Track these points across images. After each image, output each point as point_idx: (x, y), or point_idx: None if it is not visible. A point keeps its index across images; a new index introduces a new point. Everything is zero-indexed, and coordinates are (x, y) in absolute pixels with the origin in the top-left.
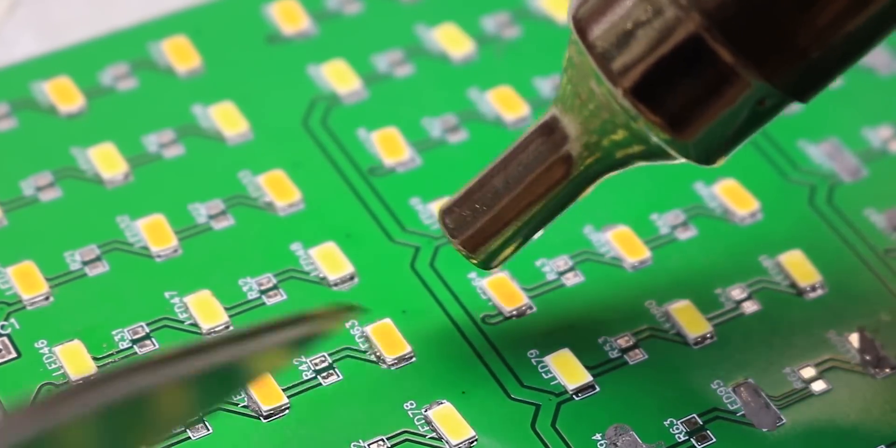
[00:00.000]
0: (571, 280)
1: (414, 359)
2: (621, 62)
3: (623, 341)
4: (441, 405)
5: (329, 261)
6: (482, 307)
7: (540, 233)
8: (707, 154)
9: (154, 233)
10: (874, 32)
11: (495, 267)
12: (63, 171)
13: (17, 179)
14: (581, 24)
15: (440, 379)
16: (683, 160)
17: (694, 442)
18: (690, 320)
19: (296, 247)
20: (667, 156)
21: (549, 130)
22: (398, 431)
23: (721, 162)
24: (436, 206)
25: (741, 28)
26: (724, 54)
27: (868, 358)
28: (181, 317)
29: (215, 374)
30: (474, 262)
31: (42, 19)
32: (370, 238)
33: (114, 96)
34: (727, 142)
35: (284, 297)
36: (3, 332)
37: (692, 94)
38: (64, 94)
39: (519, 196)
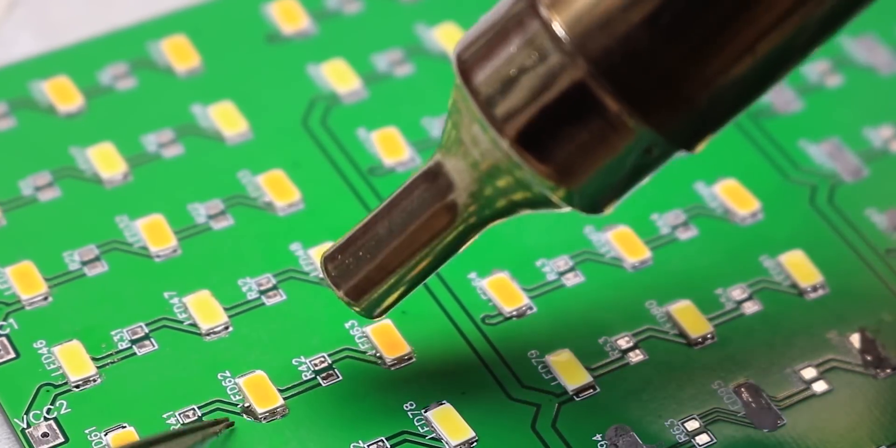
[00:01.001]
0: (572, 280)
1: (414, 359)
2: (505, 109)
3: (623, 342)
4: (441, 406)
5: None
6: (482, 307)
7: (425, 280)
8: (593, 203)
9: (153, 233)
10: (763, 82)
11: (378, 317)
12: (62, 170)
13: (15, 179)
14: (465, 69)
15: (440, 379)
16: (569, 209)
17: (694, 442)
18: (691, 321)
19: (295, 247)
20: (553, 204)
21: (434, 177)
22: (398, 432)
23: (609, 210)
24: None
25: (627, 76)
26: (609, 102)
27: (869, 358)
28: (180, 317)
29: None
30: (356, 310)
31: (41, 19)
32: None
33: (113, 96)
34: (614, 191)
35: (284, 297)
36: (1, 332)
37: (578, 143)
38: (63, 94)
39: (402, 244)
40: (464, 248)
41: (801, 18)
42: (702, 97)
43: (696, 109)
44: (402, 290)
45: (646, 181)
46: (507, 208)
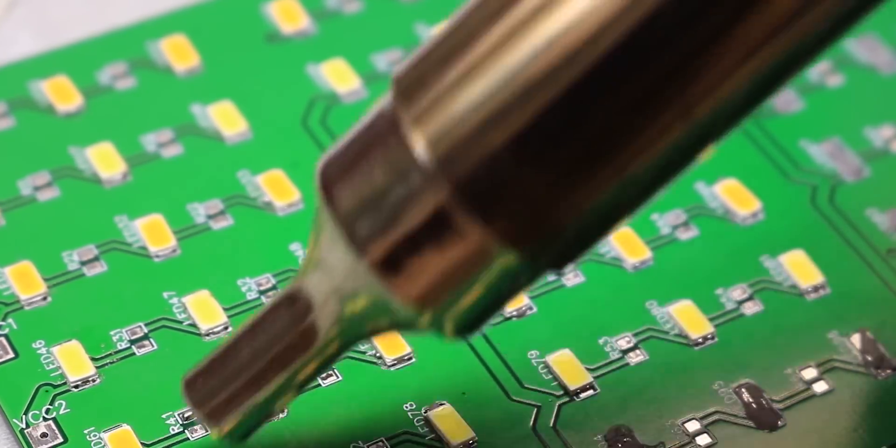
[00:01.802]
0: (571, 280)
1: (414, 359)
2: (366, 230)
3: (624, 342)
4: (441, 406)
5: None
6: None
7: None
8: (461, 329)
9: (152, 233)
10: (633, 205)
11: (241, 442)
12: (61, 170)
13: (14, 179)
14: (327, 185)
15: (440, 380)
16: (434, 334)
17: (695, 443)
18: (691, 321)
19: (295, 247)
20: (416, 327)
21: (294, 299)
22: (398, 432)
23: (473, 334)
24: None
25: (492, 201)
26: (472, 230)
27: (870, 359)
28: (180, 317)
29: None
30: (216, 435)
31: (40, 18)
32: None
33: (112, 95)
34: (482, 315)
35: None
36: (0, 332)
37: (441, 270)
38: (62, 94)
39: (265, 368)
40: (326, 371)
41: (669, 144)
42: (572, 223)
43: (566, 235)
44: (265, 414)
45: (514, 300)
46: (370, 332)
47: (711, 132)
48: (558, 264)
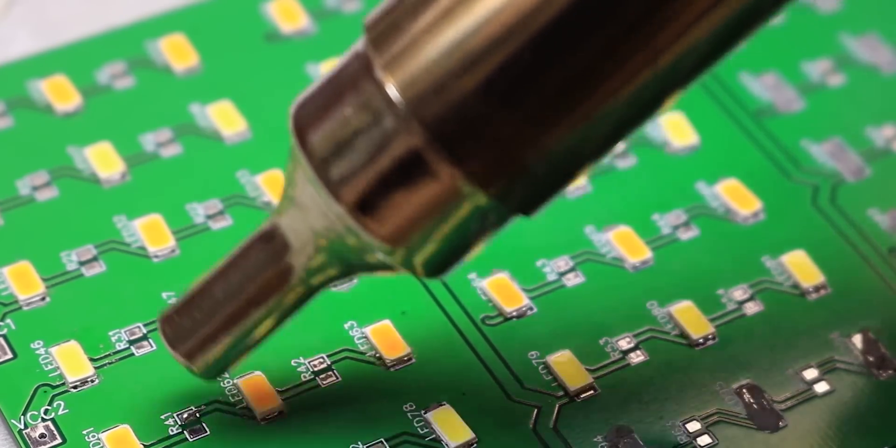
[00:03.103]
0: (572, 281)
1: (413, 360)
2: (339, 172)
3: (624, 342)
4: (441, 407)
5: None
6: (482, 308)
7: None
8: (432, 268)
9: (151, 233)
10: (600, 149)
11: (214, 377)
12: (59, 170)
13: (13, 179)
14: (300, 129)
15: (440, 380)
16: (406, 272)
17: (696, 444)
18: (692, 321)
19: None
20: (391, 268)
21: (270, 238)
22: (397, 433)
23: (447, 274)
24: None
25: (462, 142)
26: (443, 169)
27: (871, 359)
28: None
29: None
30: (194, 371)
31: (39, 17)
32: None
33: (111, 95)
34: (452, 255)
35: None
36: None
37: (413, 209)
38: (60, 93)
39: (239, 306)
40: (300, 309)
41: (635, 89)
42: (539, 164)
43: (534, 176)
44: (238, 351)
45: (484, 245)
46: (343, 271)
47: (677, 80)
48: (526, 208)
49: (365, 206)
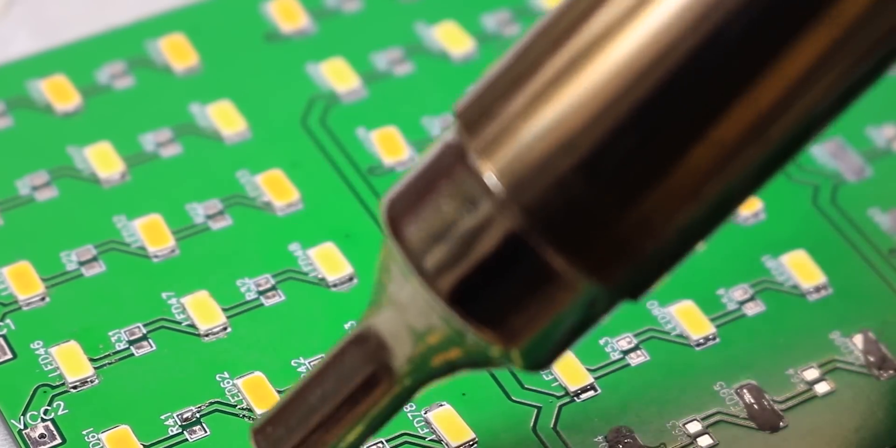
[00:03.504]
0: None
1: None
2: (437, 263)
3: (625, 342)
4: (441, 407)
5: (328, 261)
6: None
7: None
8: (535, 361)
9: (151, 233)
10: (710, 226)
11: None
12: (59, 170)
13: (12, 179)
14: (394, 220)
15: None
16: (510, 367)
17: (696, 444)
18: (692, 321)
19: (294, 247)
20: (494, 363)
21: (364, 339)
22: (397, 433)
23: (549, 367)
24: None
25: (565, 226)
26: (547, 256)
27: (872, 359)
28: (178, 318)
29: None
30: None
31: (38, 17)
32: (370, 239)
33: (110, 95)
34: (556, 347)
35: (283, 298)
36: None
37: (515, 299)
38: (60, 93)
39: (335, 411)
40: (397, 413)
41: (745, 162)
42: (647, 246)
43: (642, 259)
44: None
45: (589, 332)
46: (444, 369)
47: (788, 150)
48: (635, 292)
49: (464, 298)
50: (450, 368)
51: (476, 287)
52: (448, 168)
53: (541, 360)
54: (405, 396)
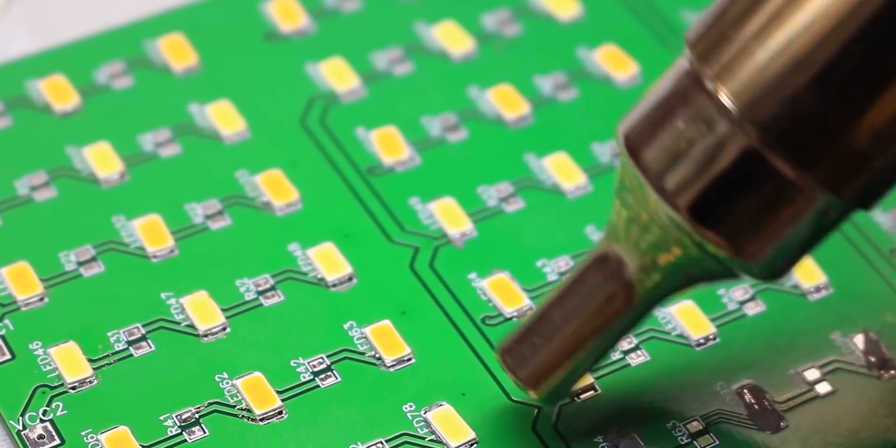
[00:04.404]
0: None
1: (413, 360)
2: (677, 182)
3: (625, 342)
4: (441, 407)
5: (327, 261)
6: (482, 308)
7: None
8: (772, 271)
9: (150, 233)
10: None
11: (555, 403)
12: (58, 170)
13: (11, 179)
14: (633, 147)
15: (440, 381)
16: (748, 279)
17: (697, 444)
18: (693, 321)
19: (293, 247)
20: (730, 275)
21: (605, 259)
22: (397, 433)
23: (785, 275)
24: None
25: (798, 139)
26: (782, 168)
27: (873, 359)
28: (177, 318)
29: None
30: (534, 397)
31: (37, 17)
32: (369, 238)
33: (109, 95)
34: (792, 257)
35: (282, 298)
36: None
37: (753, 212)
38: (59, 93)
39: (579, 329)
40: (638, 326)
41: None
42: (876, 154)
43: (872, 168)
44: (578, 374)
45: (820, 244)
46: (683, 282)
47: None
48: (866, 201)
49: (705, 213)
50: (689, 282)
51: (716, 202)
52: (684, 94)
53: (777, 269)
54: (644, 311)
